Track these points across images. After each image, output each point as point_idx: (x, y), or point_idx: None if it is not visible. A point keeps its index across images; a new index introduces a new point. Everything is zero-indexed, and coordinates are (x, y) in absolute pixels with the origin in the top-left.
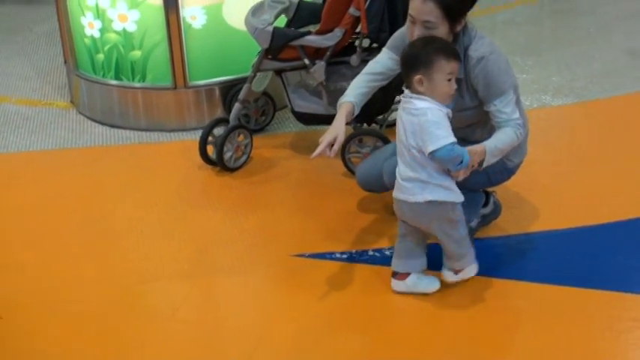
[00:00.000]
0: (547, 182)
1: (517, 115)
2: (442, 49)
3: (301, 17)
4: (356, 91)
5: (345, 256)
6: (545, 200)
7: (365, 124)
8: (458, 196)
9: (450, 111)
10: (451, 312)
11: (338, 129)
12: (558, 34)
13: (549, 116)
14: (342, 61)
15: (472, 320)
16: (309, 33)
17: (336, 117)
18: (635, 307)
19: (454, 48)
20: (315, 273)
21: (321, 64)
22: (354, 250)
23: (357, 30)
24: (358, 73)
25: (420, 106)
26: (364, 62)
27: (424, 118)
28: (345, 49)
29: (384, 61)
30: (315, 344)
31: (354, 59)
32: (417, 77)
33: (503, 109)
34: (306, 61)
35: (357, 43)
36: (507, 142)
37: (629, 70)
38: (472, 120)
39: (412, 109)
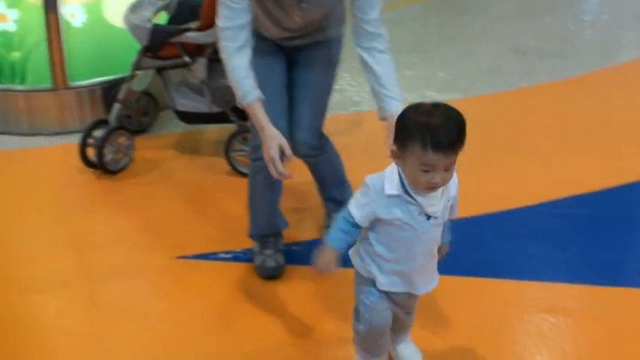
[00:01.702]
0: None
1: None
2: (426, 131)
3: (182, 14)
4: (252, 80)
5: (229, 255)
6: None
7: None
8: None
9: (420, 208)
10: (336, 310)
11: (275, 135)
12: (445, 32)
13: None
14: None
15: None
16: (189, 29)
17: (261, 122)
18: (533, 295)
19: (449, 133)
20: (200, 274)
21: (202, 62)
22: (238, 250)
23: None
24: None
25: (376, 174)
26: None
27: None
28: None
29: (245, 18)
30: (200, 346)
31: None
32: (393, 147)
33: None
34: (187, 59)
35: None
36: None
37: (514, 66)
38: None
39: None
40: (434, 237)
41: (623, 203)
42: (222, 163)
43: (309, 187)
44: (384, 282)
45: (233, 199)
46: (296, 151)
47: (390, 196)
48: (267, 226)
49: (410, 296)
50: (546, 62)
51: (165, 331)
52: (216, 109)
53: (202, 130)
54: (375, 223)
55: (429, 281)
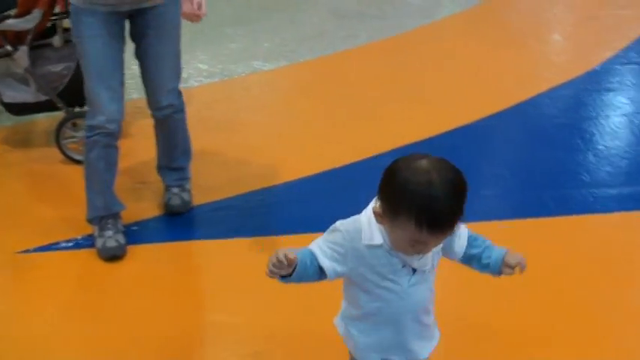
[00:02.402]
0: (260, 143)
1: None
2: (423, 210)
3: (1, 2)
4: None
5: (70, 244)
6: (261, 159)
7: (78, 107)
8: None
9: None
10: (185, 285)
11: None
12: (266, 3)
13: (261, 80)
14: (45, 44)
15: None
16: (7, 17)
17: None
18: None
19: (450, 213)
20: (43, 267)
21: (23, 49)
22: (79, 237)
23: (57, 10)
24: (64, 55)
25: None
26: (68, 42)
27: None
28: (47, 31)
29: None
30: (50, 339)
31: (56, 40)
32: (377, 207)
33: None
34: (8, 47)
35: (58, 23)
36: None
37: (335, 30)
38: None
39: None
40: (421, 293)
41: (447, 149)
42: (55, 152)
43: (144, 165)
44: (369, 343)
45: (69, 187)
46: (161, 113)
47: (369, 246)
48: (104, 208)
49: None
50: (367, 24)
51: (13, 331)
52: (43, 98)
53: (33, 121)
54: (351, 279)
55: (427, 341)
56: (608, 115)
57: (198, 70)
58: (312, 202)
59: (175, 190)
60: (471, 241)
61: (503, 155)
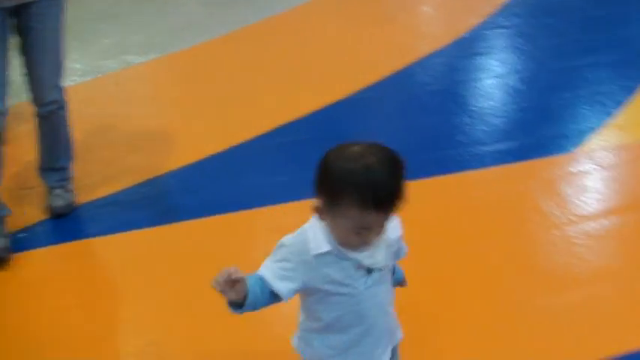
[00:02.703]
0: (140, 136)
1: None
2: (365, 190)
3: None
4: None
5: None
6: (143, 151)
7: None
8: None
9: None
10: (78, 287)
11: None
12: None
13: (135, 74)
14: None
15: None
16: None
17: None
18: (261, 219)
19: (393, 188)
20: None
21: None
22: None
23: None
24: None
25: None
26: None
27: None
28: None
29: None
30: None
31: None
32: (315, 203)
33: None
34: None
35: None
36: None
37: (206, 19)
38: None
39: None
40: (379, 295)
41: (328, 122)
42: None
43: (26, 170)
44: (331, 353)
45: None
46: (45, 109)
47: (317, 256)
48: None
49: None
50: (236, 10)
51: None
52: None
53: None
54: (306, 292)
55: (385, 347)
56: (480, 78)
57: (72, 69)
58: (199, 188)
59: (58, 191)
60: None
61: (381, 124)
